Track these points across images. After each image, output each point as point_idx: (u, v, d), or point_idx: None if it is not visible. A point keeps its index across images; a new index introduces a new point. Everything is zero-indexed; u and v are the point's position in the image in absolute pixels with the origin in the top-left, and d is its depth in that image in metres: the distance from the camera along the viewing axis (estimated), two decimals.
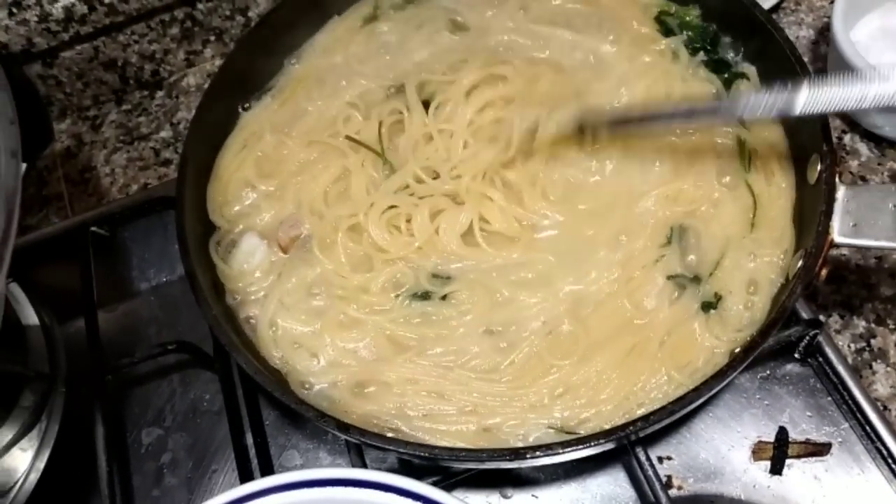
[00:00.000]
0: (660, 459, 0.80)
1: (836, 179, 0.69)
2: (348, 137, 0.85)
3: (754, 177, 0.78)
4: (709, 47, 0.87)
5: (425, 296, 0.77)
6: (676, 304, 0.73)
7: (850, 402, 0.78)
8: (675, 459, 0.80)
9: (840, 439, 0.79)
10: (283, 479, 0.64)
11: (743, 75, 0.84)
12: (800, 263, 0.68)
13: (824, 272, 0.68)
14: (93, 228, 0.97)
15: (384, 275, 0.77)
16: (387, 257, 0.78)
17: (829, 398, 0.80)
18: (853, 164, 0.95)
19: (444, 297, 0.76)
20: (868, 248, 0.65)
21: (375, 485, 0.63)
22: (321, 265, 0.79)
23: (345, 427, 0.65)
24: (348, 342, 0.76)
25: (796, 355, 0.81)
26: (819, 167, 0.71)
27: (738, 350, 0.69)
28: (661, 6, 0.90)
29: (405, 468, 0.80)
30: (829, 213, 0.68)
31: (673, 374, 0.69)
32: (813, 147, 0.73)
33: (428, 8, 0.96)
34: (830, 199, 0.68)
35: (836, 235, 0.67)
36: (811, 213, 0.70)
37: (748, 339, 0.69)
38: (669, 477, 0.79)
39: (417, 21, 0.96)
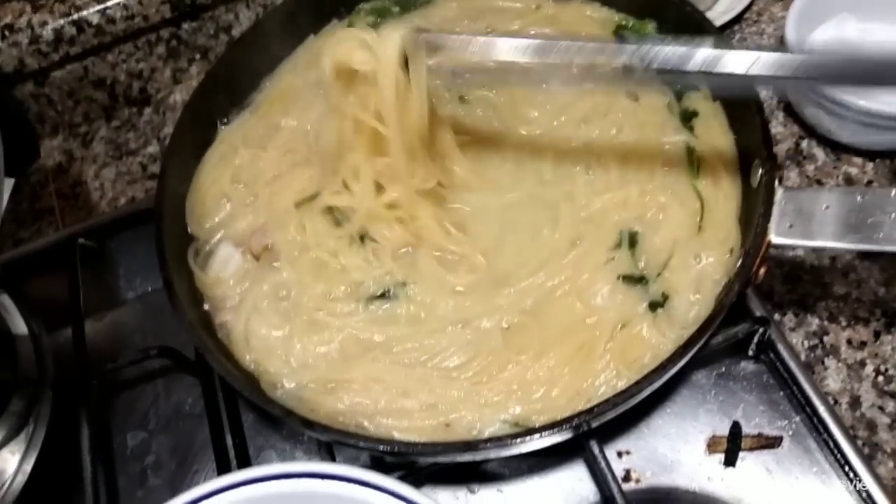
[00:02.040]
0: (619, 454, 0.83)
1: (775, 183, 0.73)
2: None
3: (702, 182, 0.82)
4: None
5: (384, 295, 0.81)
6: (625, 304, 0.77)
7: (800, 396, 0.81)
8: (634, 454, 0.83)
9: (791, 432, 0.82)
10: (255, 473, 0.68)
11: (694, 86, 0.88)
12: (738, 263, 0.72)
13: (762, 271, 0.71)
14: (81, 240, 1.01)
15: (343, 280, 0.81)
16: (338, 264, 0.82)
17: (782, 393, 0.83)
18: (809, 168, 0.99)
19: (403, 295, 0.80)
20: (803, 248, 0.69)
21: (339, 477, 0.67)
22: (287, 273, 0.82)
23: (309, 423, 0.69)
24: (317, 345, 0.80)
25: (749, 352, 0.84)
26: (760, 171, 0.75)
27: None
28: (619, 21, 0.94)
29: (377, 466, 0.83)
30: (767, 216, 0.71)
31: (622, 370, 0.73)
32: (756, 153, 0.77)
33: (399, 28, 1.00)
34: (769, 202, 0.71)
35: (774, 236, 0.71)
36: (752, 215, 0.74)
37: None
38: (628, 470, 0.82)
39: None
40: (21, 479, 0.85)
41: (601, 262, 0.79)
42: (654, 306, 0.76)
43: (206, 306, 0.85)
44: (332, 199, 0.84)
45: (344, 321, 0.80)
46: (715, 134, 0.84)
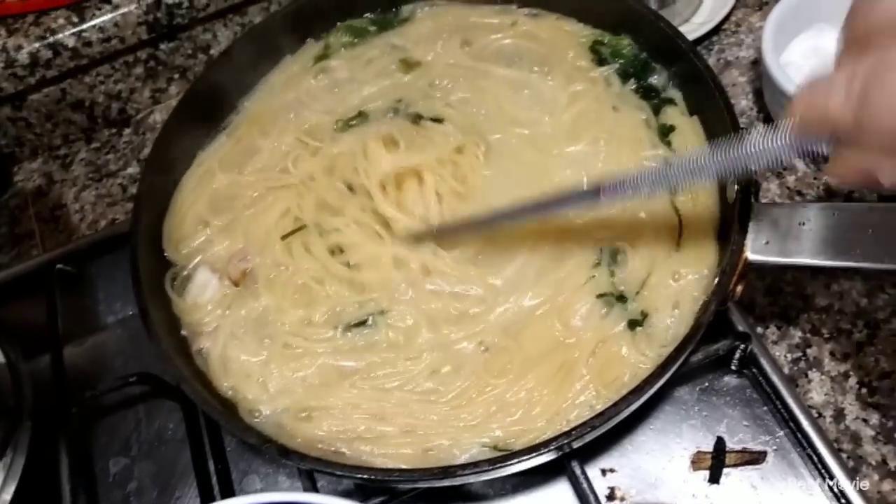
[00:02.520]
0: (602, 472, 0.82)
1: (751, 199, 0.72)
2: None
3: (680, 199, 0.81)
4: (640, 74, 0.90)
5: (362, 323, 0.80)
6: (604, 323, 0.76)
7: (783, 411, 0.81)
8: (619, 471, 0.83)
9: (775, 447, 0.81)
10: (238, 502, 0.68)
11: (671, 101, 0.88)
12: (715, 281, 0.72)
13: (739, 289, 0.71)
14: (59, 266, 1.01)
15: (323, 306, 0.81)
16: (323, 291, 0.82)
17: (765, 407, 0.83)
18: (790, 179, 0.99)
19: (382, 322, 0.80)
20: (779, 265, 0.68)
21: None
22: (265, 298, 0.82)
23: (286, 452, 0.68)
24: (294, 371, 0.79)
25: (732, 367, 0.84)
26: (736, 187, 0.74)
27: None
28: (595, 37, 0.94)
29: (359, 491, 0.83)
30: (742, 232, 0.71)
31: (601, 391, 0.72)
32: None
33: (376, 46, 1.00)
34: (745, 219, 0.71)
35: (750, 253, 0.70)
36: (730, 232, 0.73)
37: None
38: (612, 489, 0.82)
39: (367, 57, 1.00)
40: None
41: (581, 282, 0.78)
42: (633, 325, 0.76)
43: (183, 332, 0.84)
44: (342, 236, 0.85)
45: (322, 347, 0.79)
46: (692, 149, 0.84)
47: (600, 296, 0.78)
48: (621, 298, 0.78)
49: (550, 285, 0.79)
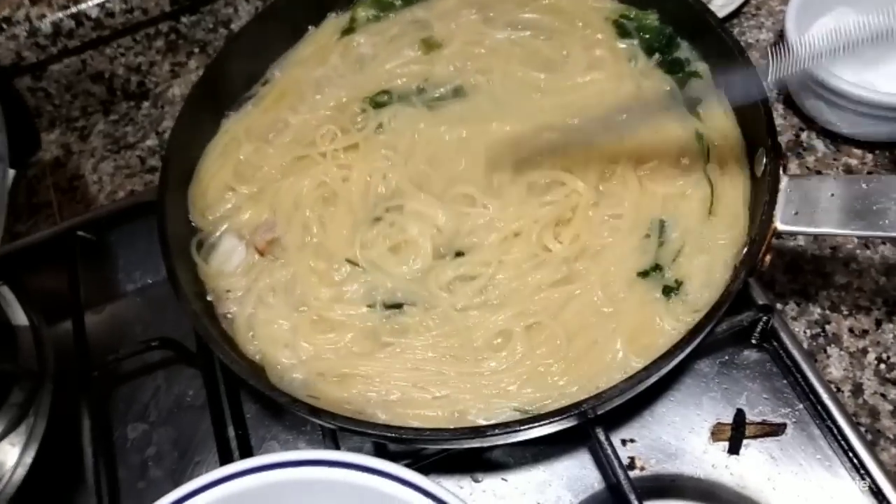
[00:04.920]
0: (623, 442, 0.83)
1: (780, 171, 0.73)
2: None
3: (712, 167, 0.82)
4: (665, 48, 0.91)
5: (398, 306, 0.80)
6: (641, 292, 0.77)
7: (803, 384, 0.81)
8: (639, 442, 0.83)
9: (794, 420, 0.82)
10: (260, 461, 0.67)
11: (696, 74, 0.88)
12: (745, 250, 0.72)
13: (768, 258, 0.72)
14: (80, 233, 1.01)
15: (354, 285, 0.81)
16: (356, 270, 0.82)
17: (785, 381, 0.84)
18: (810, 159, 0.99)
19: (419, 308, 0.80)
20: (808, 234, 0.69)
21: (347, 464, 0.66)
22: (294, 269, 0.83)
23: (315, 411, 0.69)
24: (325, 341, 0.79)
25: (753, 341, 0.85)
26: (765, 160, 0.75)
27: None
28: (621, 11, 0.94)
29: (381, 456, 0.83)
30: (772, 203, 0.71)
31: (632, 358, 0.73)
32: (760, 142, 0.77)
33: (399, 21, 1.00)
34: (774, 190, 0.72)
35: (779, 223, 0.71)
36: (760, 203, 0.74)
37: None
38: (633, 458, 0.82)
39: (391, 34, 1.00)
40: (21, 471, 0.84)
41: (627, 253, 0.79)
42: (667, 291, 0.76)
43: (209, 297, 0.84)
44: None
45: (355, 321, 0.79)
46: (720, 122, 0.84)
47: (640, 268, 0.78)
48: (657, 268, 0.78)
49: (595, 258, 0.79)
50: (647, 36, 0.91)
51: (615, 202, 0.82)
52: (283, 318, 0.81)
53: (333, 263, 0.83)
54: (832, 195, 0.70)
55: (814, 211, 0.71)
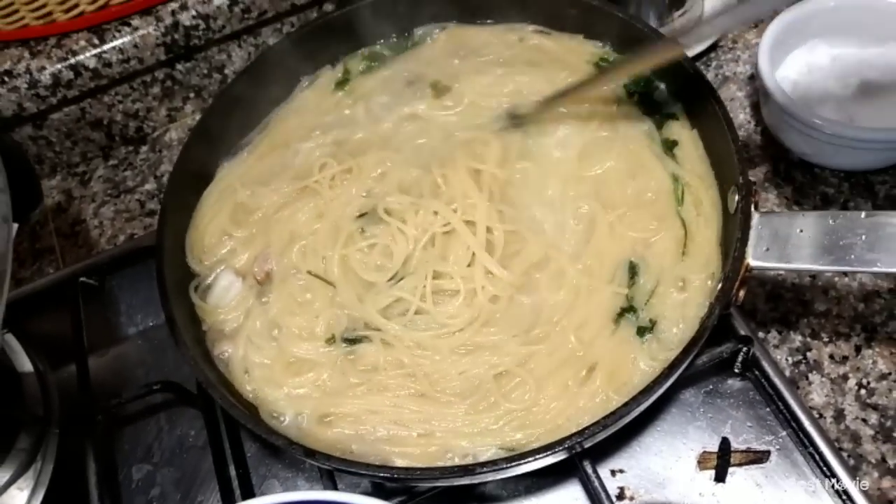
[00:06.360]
0: (612, 472, 0.85)
1: (752, 208, 0.76)
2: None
3: (686, 209, 0.85)
4: (643, 90, 0.94)
5: (356, 340, 0.84)
6: (615, 333, 0.80)
7: (785, 412, 0.84)
8: (628, 472, 0.86)
9: (778, 447, 0.84)
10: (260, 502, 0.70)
11: (673, 115, 0.91)
12: (718, 287, 0.75)
13: (742, 293, 0.74)
14: (82, 279, 1.04)
15: (325, 317, 0.85)
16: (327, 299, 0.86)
17: (768, 409, 0.86)
18: (788, 189, 1.02)
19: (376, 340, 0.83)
20: (780, 270, 0.71)
21: None
22: (276, 305, 0.86)
23: (311, 453, 0.71)
24: (306, 378, 0.82)
25: (735, 370, 0.87)
26: (737, 198, 0.78)
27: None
28: (602, 54, 0.98)
29: (377, 492, 0.86)
30: (744, 241, 0.74)
31: (611, 396, 0.75)
32: (732, 180, 0.80)
33: (390, 69, 1.04)
34: (745, 228, 0.75)
35: (751, 260, 0.74)
36: (732, 240, 0.77)
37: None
38: (622, 488, 0.85)
39: (382, 79, 1.03)
40: None
41: (600, 297, 0.81)
42: (642, 331, 0.79)
43: (205, 336, 0.87)
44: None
45: (328, 358, 0.83)
46: (695, 161, 0.87)
47: (614, 309, 0.81)
48: (631, 309, 0.81)
49: (568, 301, 0.82)
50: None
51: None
52: (272, 357, 0.84)
53: (306, 293, 0.87)
54: (801, 231, 0.73)
55: (784, 247, 0.73)
